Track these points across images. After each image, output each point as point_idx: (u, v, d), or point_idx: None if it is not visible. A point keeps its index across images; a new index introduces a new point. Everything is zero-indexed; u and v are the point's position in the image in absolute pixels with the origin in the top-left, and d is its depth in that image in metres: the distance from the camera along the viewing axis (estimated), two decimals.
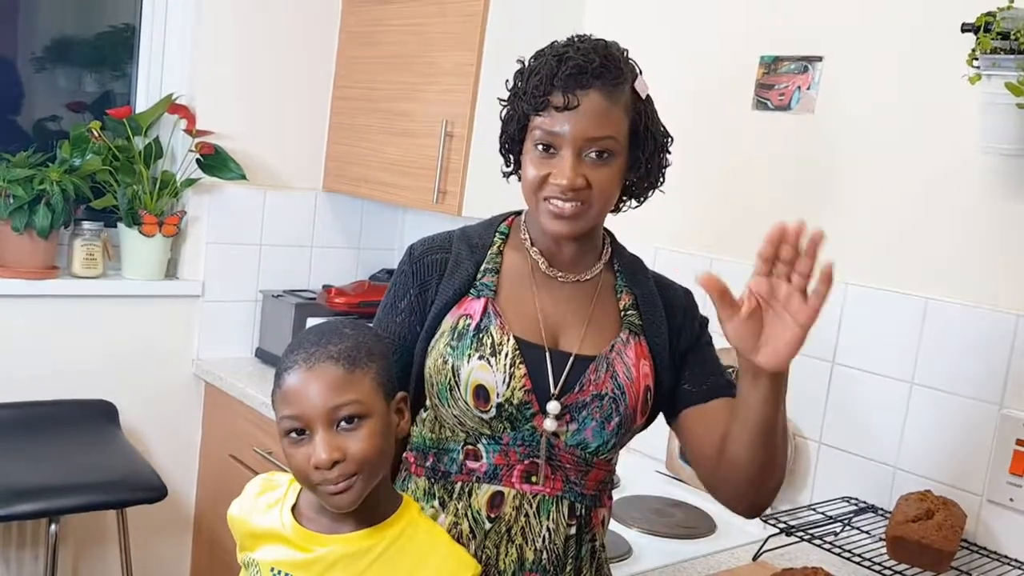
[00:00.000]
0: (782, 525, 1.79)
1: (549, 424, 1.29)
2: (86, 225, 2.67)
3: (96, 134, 2.63)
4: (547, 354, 1.31)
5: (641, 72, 1.31)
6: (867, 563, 1.67)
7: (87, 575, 2.78)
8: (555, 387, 1.29)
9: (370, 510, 1.19)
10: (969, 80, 1.76)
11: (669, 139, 1.35)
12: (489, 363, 1.28)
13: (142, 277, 2.77)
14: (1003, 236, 1.82)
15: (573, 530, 1.32)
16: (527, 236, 1.38)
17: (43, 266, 2.61)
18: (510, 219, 1.44)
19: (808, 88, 2.13)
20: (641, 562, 1.78)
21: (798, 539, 1.77)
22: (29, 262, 2.57)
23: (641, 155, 1.31)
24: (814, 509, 1.91)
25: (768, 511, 2.00)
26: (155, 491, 2.34)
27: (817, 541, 1.74)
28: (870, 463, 1.99)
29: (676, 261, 2.32)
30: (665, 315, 1.39)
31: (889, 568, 1.65)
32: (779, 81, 2.18)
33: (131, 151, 2.70)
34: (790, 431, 2.06)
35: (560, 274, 1.36)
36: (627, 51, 1.31)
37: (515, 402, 1.28)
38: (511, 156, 1.39)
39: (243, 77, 2.87)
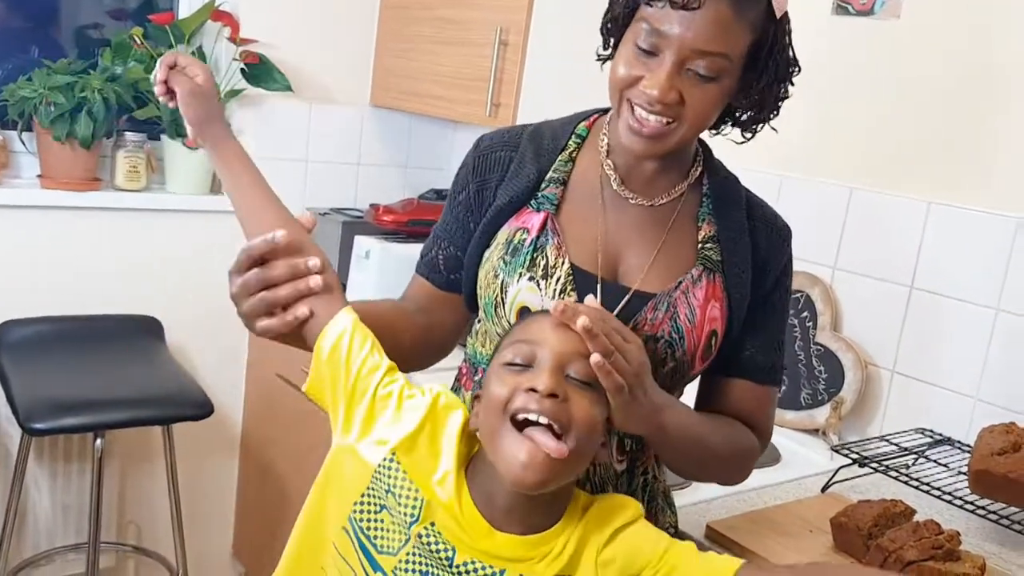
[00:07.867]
0: (854, 456, 1.70)
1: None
2: (129, 136, 2.60)
3: (138, 41, 2.55)
4: (599, 285, 1.18)
5: None
6: (948, 497, 1.57)
7: (134, 490, 2.78)
8: None
9: (544, 510, 1.03)
10: None
11: (795, 68, 1.18)
12: (539, 285, 1.17)
13: (187, 191, 2.70)
14: None
15: (623, 466, 1.22)
16: (605, 143, 1.24)
17: (86, 177, 2.55)
18: (593, 118, 1.28)
19: None
20: (703, 490, 1.69)
21: (871, 471, 1.68)
22: (72, 173, 2.52)
23: (755, 82, 1.15)
24: (886, 440, 1.81)
25: (836, 441, 1.94)
26: (201, 408, 2.29)
27: (893, 473, 1.64)
28: (948, 393, 1.88)
29: (743, 179, 2.19)
30: (751, 253, 1.23)
31: (971, 502, 1.56)
32: None
33: None
34: (861, 359, 1.97)
35: (632, 195, 1.22)
36: None
37: None
38: (611, 38, 1.19)
39: None
